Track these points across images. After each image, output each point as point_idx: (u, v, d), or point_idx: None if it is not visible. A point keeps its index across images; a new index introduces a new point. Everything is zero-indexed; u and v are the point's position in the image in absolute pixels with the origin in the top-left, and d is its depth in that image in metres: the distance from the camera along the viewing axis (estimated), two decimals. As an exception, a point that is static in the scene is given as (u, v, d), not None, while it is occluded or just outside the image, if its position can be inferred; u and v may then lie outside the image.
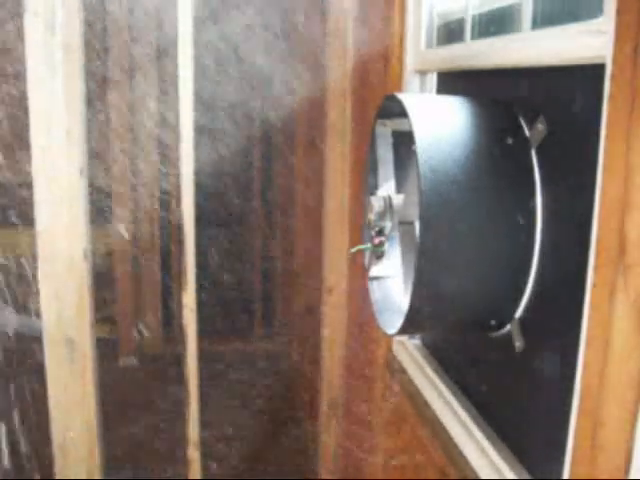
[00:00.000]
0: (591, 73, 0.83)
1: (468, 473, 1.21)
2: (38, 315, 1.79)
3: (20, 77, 1.70)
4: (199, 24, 1.88)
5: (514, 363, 1.13)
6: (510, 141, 1.07)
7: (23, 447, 2.08)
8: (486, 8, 1.34)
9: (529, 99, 1.10)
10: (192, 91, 1.78)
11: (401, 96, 1.15)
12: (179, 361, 1.96)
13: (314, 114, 2.21)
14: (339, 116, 2.06)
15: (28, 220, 1.78)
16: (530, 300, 1.07)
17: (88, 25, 1.75)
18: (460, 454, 1.26)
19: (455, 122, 1.11)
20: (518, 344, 1.08)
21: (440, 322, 1.20)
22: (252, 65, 2.26)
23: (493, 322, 1.13)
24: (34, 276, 1.78)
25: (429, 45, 1.58)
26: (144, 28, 2.57)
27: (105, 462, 1.94)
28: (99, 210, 2.05)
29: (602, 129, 0.76)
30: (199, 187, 1.82)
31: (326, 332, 2.23)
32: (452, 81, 1.49)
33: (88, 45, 1.78)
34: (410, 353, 1.63)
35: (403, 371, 1.65)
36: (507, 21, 1.27)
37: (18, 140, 1.80)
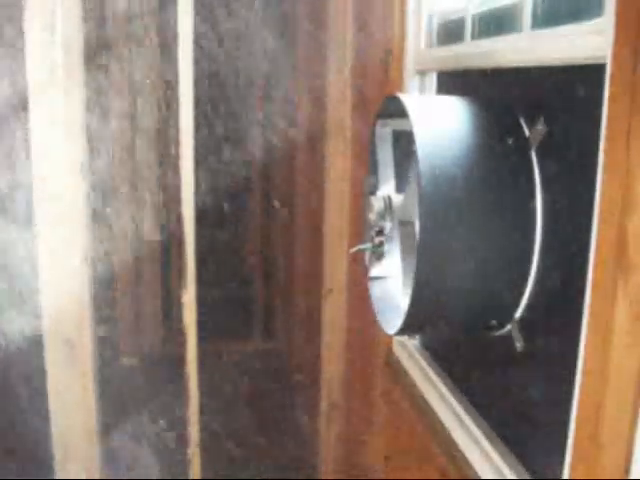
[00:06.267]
0: (591, 73, 0.83)
1: (468, 473, 1.21)
2: (38, 315, 1.79)
3: (20, 77, 1.69)
4: (197, 22, 1.89)
5: (514, 363, 1.13)
6: (510, 141, 1.07)
7: (23, 447, 2.08)
8: (486, 8, 1.34)
9: (529, 99, 1.10)
10: (192, 92, 1.79)
11: (401, 96, 1.15)
12: (179, 361, 1.96)
13: (314, 114, 2.21)
14: (339, 116, 2.06)
15: (28, 220, 1.78)
16: (530, 300, 1.07)
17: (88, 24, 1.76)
18: (460, 454, 1.26)
19: (455, 122, 1.11)
20: (518, 344, 1.08)
21: (440, 322, 1.20)
22: (250, 65, 2.26)
23: (493, 322, 1.13)
24: (34, 276, 1.78)
25: (429, 45, 1.58)
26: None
27: (105, 462, 1.94)
28: (99, 209, 2.05)
29: (602, 129, 0.76)
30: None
31: (326, 332, 2.23)
32: (452, 81, 1.49)
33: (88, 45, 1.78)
34: (410, 353, 1.63)
35: (403, 371, 1.65)
36: (507, 21, 1.27)
37: (18, 139, 1.80)
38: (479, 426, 1.23)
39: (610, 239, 0.73)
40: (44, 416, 1.83)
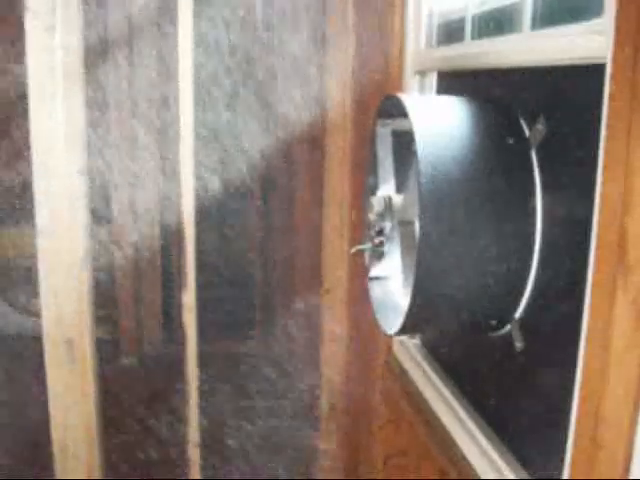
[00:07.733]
0: (591, 73, 0.83)
1: (468, 473, 1.20)
2: (38, 315, 1.79)
3: (20, 77, 1.70)
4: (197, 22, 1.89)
5: (514, 363, 1.13)
6: (510, 141, 1.07)
7: (23, 447, 2.08)
8: (486, 8, 1.34)
9: (529, 99, 1.10)
10: (192, 94, 1.79)
11: (401, 96, 1.15)
12: (179, 361, 1.96)
13: (314, 114, 2.21)
14: (339, 116, 2.06)
15: (28, 220, 1.78)
16: (530, 300, 1.07)
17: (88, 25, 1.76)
18: (460, 454, 1.26)
19: (455, 122, 1.11)
20: (518, 344, 1.08)
21: (440, 322, 1.20)
22: (250, 64, 2.26)
23: (493, 322, 1.13)
24: (34, 276, 1.78)
25: (429, 45, 1.58)
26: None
27: (105, 462, 1.94)
28: (99, 209, 2.05)
29: (602, 129, 0.76)
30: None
31: (326, 333, 2.23)
32: (452, 81, 1.49)
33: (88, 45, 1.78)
34: (410, 353, 1.63)
35: (403, 371, 1.65)
36: (507, 21, 1.27)
37: (18, 140, 1.80)
38: (479, 426, 1.23)
39: (610, 239, 0.73)
40: (44, 416, 1.83)
